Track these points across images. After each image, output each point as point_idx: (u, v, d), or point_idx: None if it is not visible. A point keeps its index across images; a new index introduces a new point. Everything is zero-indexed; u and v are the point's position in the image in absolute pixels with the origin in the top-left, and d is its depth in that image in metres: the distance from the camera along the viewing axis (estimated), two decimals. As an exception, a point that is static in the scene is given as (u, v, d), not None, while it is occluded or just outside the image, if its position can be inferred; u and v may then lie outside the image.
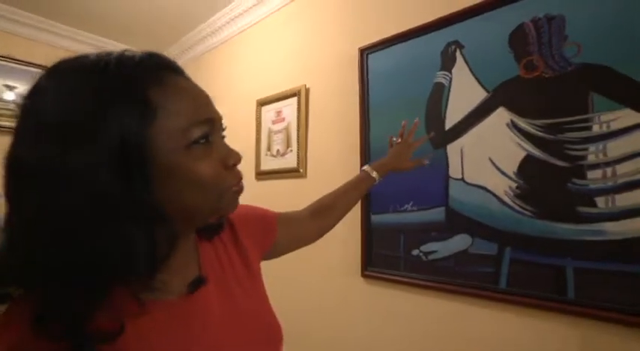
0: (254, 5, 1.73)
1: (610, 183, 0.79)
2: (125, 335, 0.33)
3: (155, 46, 2.30)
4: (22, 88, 2.08)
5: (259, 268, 0.59)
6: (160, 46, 2.33)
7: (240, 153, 0.43)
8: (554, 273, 0.85)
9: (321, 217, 0.78)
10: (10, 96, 2.06)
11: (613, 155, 0.79)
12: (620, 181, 0.78)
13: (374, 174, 0.86)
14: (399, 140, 0.94)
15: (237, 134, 1.82)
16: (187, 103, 0.37)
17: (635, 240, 0.75)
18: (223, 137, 0.43)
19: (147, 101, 0.33)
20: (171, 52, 2.34)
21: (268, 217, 0.67)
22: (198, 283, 0.43)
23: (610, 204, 0.79)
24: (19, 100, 0.33)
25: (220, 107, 1.50)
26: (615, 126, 0.79)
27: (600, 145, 0.81)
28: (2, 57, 1.96)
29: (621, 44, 0.80)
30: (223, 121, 0.44)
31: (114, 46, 2.31)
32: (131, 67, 0.35)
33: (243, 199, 1.58)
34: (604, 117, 0.81)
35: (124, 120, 0.31)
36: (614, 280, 0.77)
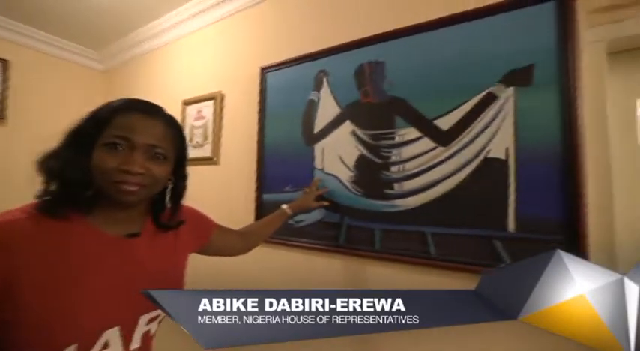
0: (184, 20, 1.86)
1: (401, 175, 1.10)
2: (73, 247, 0.52)
3: (94, 43, 2.28)
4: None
5: (186, 252, 0.75)
6: (99, 44, 2.31)
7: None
8: (368, 233, 1.14)
9: (247, 239, 1.01)
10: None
11: (404, 157, 1.09)
12: (407, 173, 1.09)
13: (289, 211, 1.11)
14: (307, 190, 1.20)
15: (167, 127, 1.93)
16: (123, 125, 0.55)
17: (412, 210, 1.06)
18: (152, 157, 0.57)
19: (112, 117, 0.55)
20: (110, 50, 2.34)
21: (209, 223, 0.86)
22: (134, 234, 0.60)
23: (401, 188, 1.09)
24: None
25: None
26: (406, 138, 1.09)
27: (398, 150, 1.11)
28: None
29: (413, 86, 1.10)
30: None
31: (55, 41, 2.25)
32: (116, 103, 0.57)
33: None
34: (401, 132, 1.11)
35: (97, 122, 0.55)
36: (402, 236, 1.07)
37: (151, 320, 0.60)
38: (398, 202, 1.10)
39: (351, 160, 1.21)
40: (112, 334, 0.54)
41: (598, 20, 0.91)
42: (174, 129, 0.63)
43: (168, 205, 0.68)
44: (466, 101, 1.00)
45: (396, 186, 1.11)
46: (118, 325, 0.54)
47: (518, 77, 0.93)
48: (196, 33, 1.86)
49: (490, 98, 0.97)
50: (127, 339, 0.56)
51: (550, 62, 0.90)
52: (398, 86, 1.13)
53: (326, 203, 1.20)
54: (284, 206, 1.12)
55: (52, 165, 0.54)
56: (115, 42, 2.27)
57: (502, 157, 0.94)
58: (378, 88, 1.17)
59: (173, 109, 1.88)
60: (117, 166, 0.53)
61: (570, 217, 0.84)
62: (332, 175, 1.26)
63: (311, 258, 1.28)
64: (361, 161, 1.19)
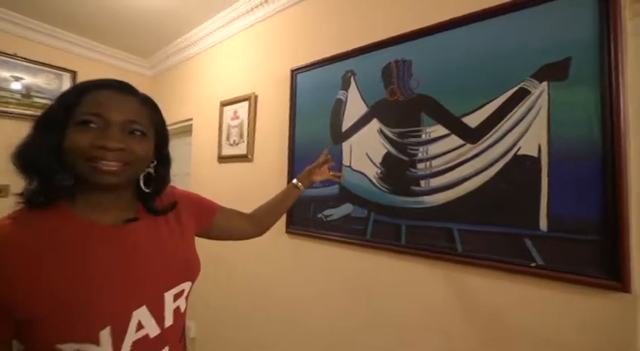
0: (220, 27, 1.86)
1: (428, 171, 1.04)
2: (70, 241, 0.47)
3: (143, 52, 2.37)
4: (28, 79, 2.09)
5: (191, 233, 0.69)
6: (147, 52, 2.39)
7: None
8: (395, 228, 1.10)
9: (257, 221, 0.90)
10: (17, 86, 2.04)
11: (431, 154, 1.03)
12: (434, 170, 1.02)
13: (299, 185, 1.00)
14: (318, 163, 1.05)
15: (206, 127, 1.97)
16: (93, 102, 0.49)
17: (439, 206, 1.00)
18: (130, 133, 0.52)
19: (80, 97, 0.49)
20: (157, 58, 2.42)
21: (211, 205, 0.79)
22: (131, 220, 0.55)
23: (427, 185, 1.04)
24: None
25: (193, 106, 1.73)
26: (433, 135, 1.03)
27: (425, 147, 1.05)
28: (8, 55, 1.97)
29: (440, 84, 1.03)
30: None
31: (112, 51, 2.36)
32: (83, 83, 0.52)
33: (209, 177, 1.83)
34: (428, 129, 1.05)
35: (65, 104, 0.49)
36: (428, 232, 1.02)
37: (176, 297, 0.58)
38: (424, 198, 1.04)
39: (377, 157, 1.17)
40: (143, 314, 0.51)
41: (644, 8, 0.80)
42: (150, 106, 0.57)
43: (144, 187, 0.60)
44: (496, 98, 0.92)
45: (422, 183, 1.05)
46: (144, 305, 0.52)
47: (553, 71, 0.84)
48: (231, 38, 1.85)
49: (522, 94, 0.88)
50: (159, 317, 0.54)
51: (589, 55, 0.80)
52: (425, 84, 1.07)
53: (339, 176, 1.11)
54: (294, 181, 1.01)
55: (24, 156, 0.48)
56: (161, 50, 2.32)
57: (534, 153, 0.86)
58: (405, 86, 1.11)
59: (212, 110, 1.93)
60: (90, 142, 0.47)
61: (609, 216, 0.75)
62: (359, 171, 1.22)
63: (339, 250, 1.26)
64: (388, 158, 1.14)
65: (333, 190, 1.29)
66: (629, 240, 0.72)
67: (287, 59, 1.52)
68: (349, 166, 1.25)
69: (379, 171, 1.16)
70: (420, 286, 1.04)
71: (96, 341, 0.45)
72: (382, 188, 1.14)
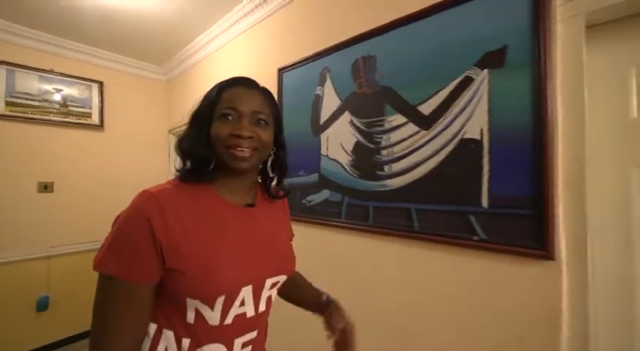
0: (220, 34, 2.01)
1: (390, 157, 1.11)
2: (211, 212, 0.55)
3: (158, 60, 2.57)
4: (66, 90, 2.37)
5: (290, 232, 0.75)
6: (161, 60, 2.60)
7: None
8: (364, 210, 1.18)
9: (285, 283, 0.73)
10: (57, 97, 2.30)
11: (392, 141, 1.11)
12: (395, 156, 1.10)
13: (317, 313, 0.77)
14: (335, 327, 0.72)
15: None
16: (229, 98, 0.57)
17: (399, 189, 1.08)
18: (257, 123, 0.57)
19: (219, 94, 0.57)
20: (170, 64, 2.62)
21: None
22: (250, 204, 0.62)
23: (390, 169, 1.11)
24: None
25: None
26: (394, 124, 1.10)
27: (388, 135, 1.12)
28: (46, 71, 2.25)
29: (399, 76, 1.09)
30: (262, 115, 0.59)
31: (132, 62, 2.59)
32: (221, 83, 0.60)
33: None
34: (389, 118, 1.12)
35: (210, 101, 0.57)
36: (391, 212, 1.10)
37: (273, 285, 0.61)
38: (387, 182, 1.12)
39: (349, 146, 1.25)
40: (247, 293, 0.55)
41: (579, -7, 0.82)
42: (269, 98, 0.63)
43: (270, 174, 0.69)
44: (446, 86, 0.98)
45: (385, 168, 1.13)
46: (250, 284, 0.55)
47: (492, 59, 0.89)
48: (229, 44, 1.99)
49: (467, 82, 0.93)
50: (257, 300, 0.57)
51: (523, 42, 0.84)
52: (387, 77, 1.13)
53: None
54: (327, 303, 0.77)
55: (184, 145, 0.57)
56: (172, 58, 2.52)
57: (477, 137, 0.91)
58: (370, 79, 1.19)
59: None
60: (229, 132, 0.54)
61: (540, 192, 0.80)
62: (334, 159, 1.31)
63: (320, 232, 1.36)
64: (358, 147, 1.22)
65: (314, 178, 1.39)
66: (554, 213, 0.77)
67: (274, 60, 1.63)
68: (326, 155, 1.34)
69: (351, 158, 1.25)
70: (384, 262, 1.13)
71: (212, 305, 0.51)
72: (353, 174, 1.23)
